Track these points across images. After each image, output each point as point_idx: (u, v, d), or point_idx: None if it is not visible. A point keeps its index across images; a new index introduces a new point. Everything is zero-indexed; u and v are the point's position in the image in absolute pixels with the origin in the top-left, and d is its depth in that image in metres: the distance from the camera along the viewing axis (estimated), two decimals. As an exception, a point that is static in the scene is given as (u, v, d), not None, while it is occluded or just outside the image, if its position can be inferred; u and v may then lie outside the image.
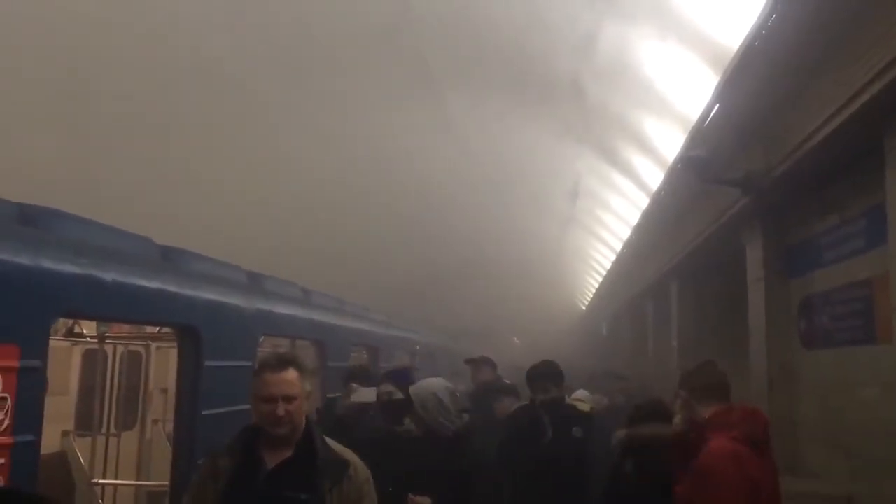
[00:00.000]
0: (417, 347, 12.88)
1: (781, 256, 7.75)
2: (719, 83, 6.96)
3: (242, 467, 2.99)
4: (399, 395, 4.72)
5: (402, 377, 4.98)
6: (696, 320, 12.05)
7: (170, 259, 5.02)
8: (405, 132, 16.65)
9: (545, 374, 5.41)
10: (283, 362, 3.08)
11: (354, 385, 5.12)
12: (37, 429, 3.35)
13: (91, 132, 14.54)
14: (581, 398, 7.38)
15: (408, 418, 4.58)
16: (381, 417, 4.78)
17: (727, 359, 9.66)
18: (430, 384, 4.70)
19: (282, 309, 6.41)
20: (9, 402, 3.12)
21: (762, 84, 6.25)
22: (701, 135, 7.82)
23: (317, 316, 7.45)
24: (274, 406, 2.95)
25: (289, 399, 2.97)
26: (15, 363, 3.17)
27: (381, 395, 4.81)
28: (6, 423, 3.11)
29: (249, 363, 5.46)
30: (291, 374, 3.02)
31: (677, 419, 3.70)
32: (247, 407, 5.31)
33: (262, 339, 6.00)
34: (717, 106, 7.11)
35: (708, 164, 7.46)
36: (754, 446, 3.29)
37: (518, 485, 4.65)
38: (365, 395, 5.02)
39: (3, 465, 3.09)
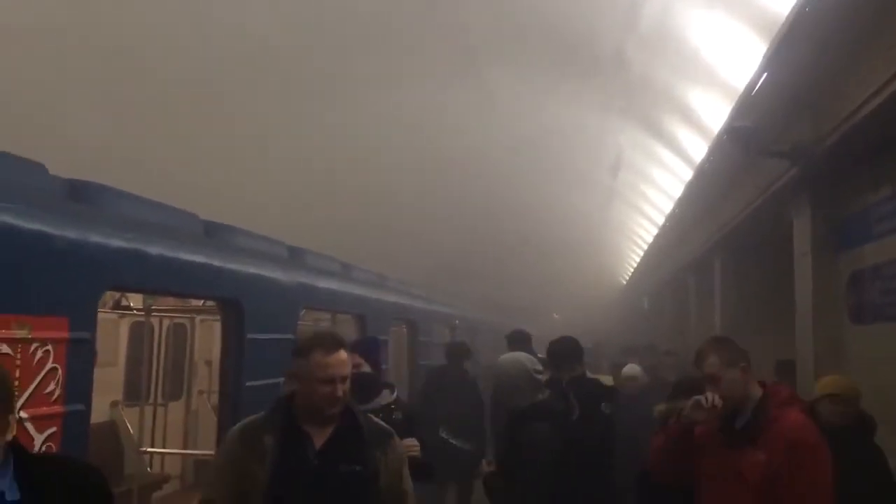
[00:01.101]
0: (457, 322, 12.91)
1: (830, 229, 7.56)
2: (767, 52, 6.77)
3: (288, 445, 2.92)
4: (367, 369, 4.30)
5: (370, 347, 4.58)
6: (740, 295, 11.87)
7: (213, 234, 5.09)
8: (448, 106, 16.60)
9: (567, 352, 5.02)
10: (336, 343, 3.04)
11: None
12: (87, 399, 3.44)
13: (138, 109, 14.77)
14: (633, 374, 7.31)
15: (385, 393, 4.32)
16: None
17: (773, 334, 9.56)
18: (519, 357, 4.71)
19: (322, 283, 6.46)
20: (59, 372, 3.20)
21: (812, 52, 6.06)
22: (748, 105, 7.63)
23: (357, 290, 7.50)
24: (333, 387, 2.92)
25: (344, 379, 2.98)
26: (65, 335, 3.26)
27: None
28: (57, 392, 3.20)
29: (291, 336, 5.54)
30: (343, 354, 3.02)
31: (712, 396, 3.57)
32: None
33: (302, 312, 6.06)
34: (765, 75, 6.92)
35: (754, 135, 7.27)
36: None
37: (545, 463, 4.38)
38: None
39: (54, 433, 3.18)
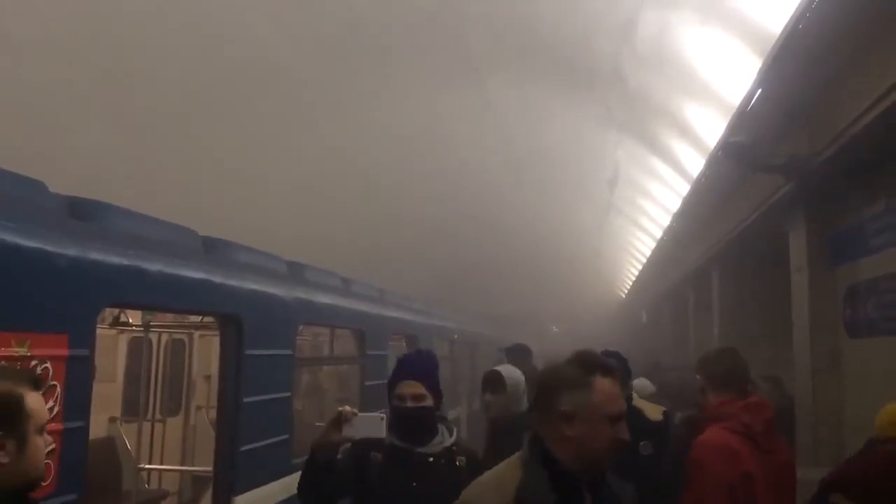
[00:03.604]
0: (456, 336, 12.90)
1: (826, 244, 7.61)
2: (762, 67, 6.83)
3: None
4: (430, 402, 3.11)
5: (433, 372, 3.25)
6: (738, 308, 11.91)
7: (212, 249, 5.11)
8: (447, 119, 16.68)
9: None
10: (614, 366, 2.29)
11: (349, 410, 2.93)
12: (85, 415, 3.44)
13: (137, 126, 14.82)
14: (645, 395, 6.95)
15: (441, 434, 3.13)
16: (397, 432, 3.07)
17: (770, 347, 9.57)
18: (516, 371, 4.61)
19: (321, 298, 6.46)
20: (58, 389, 3.21)
21: (806, 67, 6.12)
22: (743, 120, 7.69)
23: (356, 304, 7.50)
24: (621, 426, 2.17)
25: None
26: (64, 352, 3.26)
27: (404, 396, 3.10)
28: (56, 409, 3.19)
29: (289, 351, 5.54)
30: None
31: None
32: (286, 394, 5.43)
33: (301, 327, 6.07)
34: (759, 91, 6.98)
35: (749, 151, 7.34)
36: (749, 438, 3.11)
37: None
38: (367, 426, 2.92)
39: (53, 450, 3.17)
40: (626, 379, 3.99)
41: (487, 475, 2.32)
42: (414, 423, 3.06)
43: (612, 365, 2.25)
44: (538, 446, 2.25)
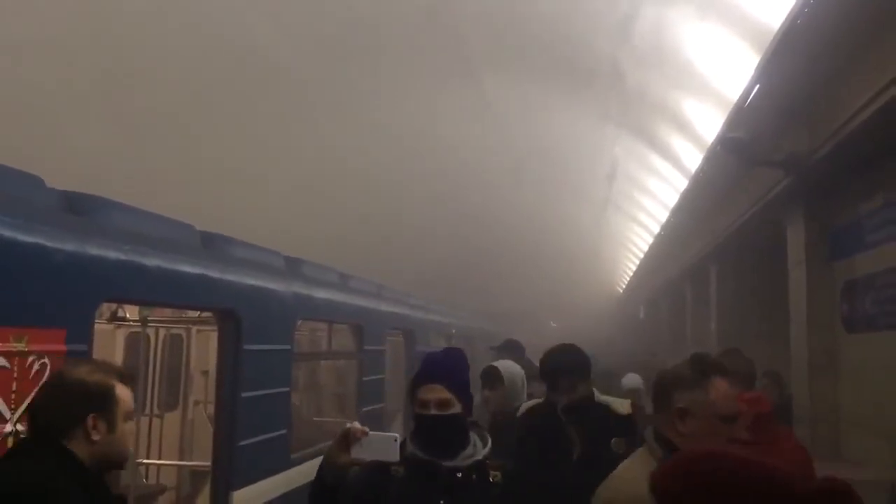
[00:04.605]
0: (453, 331, 12.91)
1: (824, 239, 7.62)
2: (760, 63, 6.83)
3: None
4: (458, 408, 2.67)
5: (462, 374, 2.76)
6: (736, 304, 11.92)
7: (210, 245, 5.11)
8: (444, 117, 16.70)
9: (565, 367, 3.80)
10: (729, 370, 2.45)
11: (358, 428, 2.44)
12: (83, 410, 3.44)
13: (136, 122, 14.82)
14: (633, 386, 6.81)
15: (473, 445, 2.69)
16: (420, 443, 2.66)
17: (768, 343, 9.59)
18: (514, 366, 4.59)
19: (319, 293, 6.48)
20: (56, 384, 3.21)
21: (805, 63, 6.12)
22: (741, 116, 7.69)
23: (353, 300, 7.52)
24: (739, 426, 2.35)
25: None
26: (62, 347, 3.27)
27: (427, 402, 2.65)
28: (54, 404, 3.20)
29: (287, 346, 5.55)
30: None
31: None
32: (284, 389, 5.43)
33: (299, 322, 6.08)
34: (757, 86, 6.98)
35: (747, 146, 7.34)
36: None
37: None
38: (378, 448, 2.43)
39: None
40: (587, 376, 3.82)
41: (619, 475, 2.40)
42: (439, 434, 2.65)
43: (728, 368, 2.41)
44: (664, 441, 2.35)
